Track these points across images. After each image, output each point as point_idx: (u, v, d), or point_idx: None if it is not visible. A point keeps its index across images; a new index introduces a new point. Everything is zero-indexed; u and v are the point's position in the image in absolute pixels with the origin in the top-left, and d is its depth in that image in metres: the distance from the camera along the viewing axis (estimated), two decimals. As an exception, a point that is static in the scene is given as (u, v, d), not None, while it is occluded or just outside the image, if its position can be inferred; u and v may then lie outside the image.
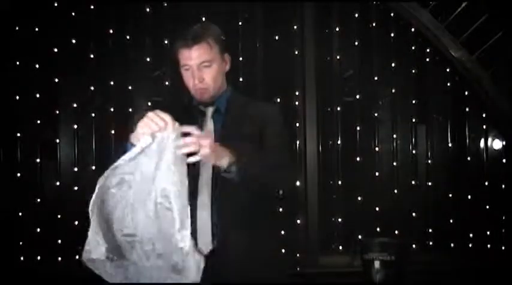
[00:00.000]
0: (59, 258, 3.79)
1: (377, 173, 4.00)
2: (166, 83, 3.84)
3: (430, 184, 4.04)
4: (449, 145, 4.06)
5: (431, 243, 3.99)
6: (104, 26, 3.89)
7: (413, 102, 4.05)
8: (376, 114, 4.03)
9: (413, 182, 4.03)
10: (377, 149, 4.02)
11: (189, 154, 1.69)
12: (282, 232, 3.82)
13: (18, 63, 3.84)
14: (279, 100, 3.94)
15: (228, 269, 1.89)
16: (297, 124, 3.95)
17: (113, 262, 1.74)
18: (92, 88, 3.88)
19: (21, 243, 3.77)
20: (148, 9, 3.92)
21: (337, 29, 4.04)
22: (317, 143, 3.94)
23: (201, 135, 1.73)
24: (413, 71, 4.04)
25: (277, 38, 3.98)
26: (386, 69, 4.03)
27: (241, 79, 3.89)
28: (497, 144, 4.06)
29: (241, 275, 1.91)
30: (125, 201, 1.70)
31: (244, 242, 1.91)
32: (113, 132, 3.84)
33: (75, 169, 3.85)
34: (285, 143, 2.11)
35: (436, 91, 4.07)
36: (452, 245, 3.99)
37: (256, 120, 2.03)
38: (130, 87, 3.90)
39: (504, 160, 4.03)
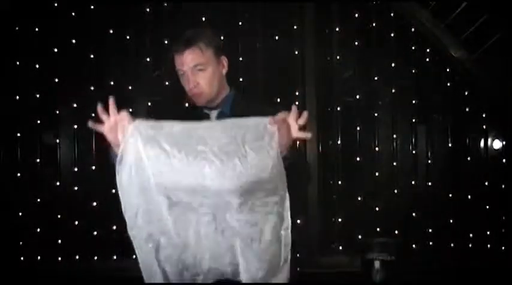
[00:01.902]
0: (59, 258, 3.80)
1: (377, 173, 4.01)
2: (166, 83, 3.85)
3: (430, 184, 4.04)
4: (449, 145, 4.06)
5: (431, 243, 3.99)
6: (104, 26, 3.89)
7: (413, 102, 4.05)
8: (376, 114, 4.03)
9: (413, 182, 4.03)
10: (377, 149, 4.03)
11: None
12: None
13: (18, 63, 3.84)
14: (279, 100, 3.95)
15: None
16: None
17: None
18: (92, 88, 3.88)
19: (21, 243, 3.78)
20: (148, 9, 3.92)
21: (337, 29, 4.04)
22: (317, 143, 3.94)
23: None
24: (413, 71, 4.04)
25: (277, 38, 3.99)
26: (386, 69, 4.03)
27: (241, 80, 3.88)
28: (497, 144, 4.06)
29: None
30: None
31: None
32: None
33: (75, 169, 3.86)
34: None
35: (436, 91, 4.07)
36: (452, 245, 3.99)
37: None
38: (130, 87, 3.90)
39: (504, 160, 4.03)
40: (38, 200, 3.80)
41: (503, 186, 4.00)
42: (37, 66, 3.86)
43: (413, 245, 3.96)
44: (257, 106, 2.07)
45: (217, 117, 2.04)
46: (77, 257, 3.81)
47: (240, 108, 2.05)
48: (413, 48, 4.04)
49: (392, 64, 4.03)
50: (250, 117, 1.73)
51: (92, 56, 3.88)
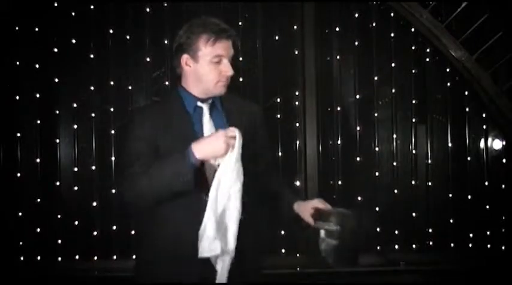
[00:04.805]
0: (59, 258, 3.80)
1: (377, 173, 4.00)
2: (166, 83, 3.85)
3: (430, 184, 4.04)
4: (449, 145, 4.06)
5: (431, 243, 3.99)
6: (104, 26, 3.89)
7: (414, 102, 4.05)
8: (376, 114, 4.03)
9: (413, 182, 4.03)
10: (377, 149, 4.02)
11: None
12: (282, 232, 3.83)
13: (18, 63, 3.84)
14: (279, 100, 3.95)
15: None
16: (297, 124, 3.95)
17: None
18: (92, 88, 3.88)
19: (21, 243, 3.78)
20: (148, 9, 3.92)
21: (337, 29, 4.04)
22: (317, 143, 3.94)
23: None
24: (413, 71, 4.04)
25: (277, 38, 3.99)
26: (386, 69, 4.03)
27: (241, 79, 3.88)
28: (497, 144, 4.06)
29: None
30: None
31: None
32: (112, 131, 3.85)
33: (75, 169, 3.85)
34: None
35: (436, 91, 4.07)
36: (452, 245, 3.99)
37: (250, 116, 2.17)
38: (130, 87, 3.90)
39: (504, 160, 4.03)
40: (38, 200, 3.81)
41: (503, 186, 4.00)
42: (37, 66, 3.86)
43: (413, 245, 3.96)
44: (242, 101, 2.24)
45: (209, 109, 2.09)
46: (77, 257, 3.81)
47: (228, 102, 2.15)
48: (413, 48, 4.04)
49: (393, 64, 4.03)
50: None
51: (92, 56, 3.89)
